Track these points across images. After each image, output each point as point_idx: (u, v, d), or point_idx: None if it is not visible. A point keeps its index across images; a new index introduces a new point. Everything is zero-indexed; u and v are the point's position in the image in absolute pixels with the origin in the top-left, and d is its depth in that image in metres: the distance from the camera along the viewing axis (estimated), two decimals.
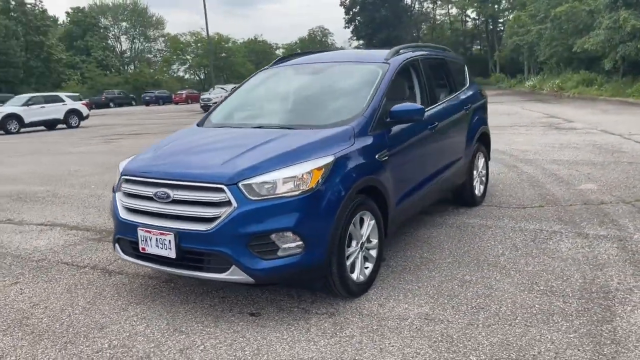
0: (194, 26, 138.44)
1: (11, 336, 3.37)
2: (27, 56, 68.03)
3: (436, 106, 4.89)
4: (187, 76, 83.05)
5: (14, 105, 24.27)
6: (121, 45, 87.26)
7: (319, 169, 3.34)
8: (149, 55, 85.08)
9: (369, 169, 3.72)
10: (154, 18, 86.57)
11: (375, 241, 3.86)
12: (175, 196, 3.33)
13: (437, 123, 4.75)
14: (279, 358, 2.96)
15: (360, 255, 3.71)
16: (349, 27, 51.70)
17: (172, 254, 3.30)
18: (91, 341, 3.25)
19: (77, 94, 28.88)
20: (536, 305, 3.44)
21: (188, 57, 79.29)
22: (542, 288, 3.70)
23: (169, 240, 3.29)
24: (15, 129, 23.41)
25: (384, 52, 4.67)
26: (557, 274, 3.92)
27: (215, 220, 3.19)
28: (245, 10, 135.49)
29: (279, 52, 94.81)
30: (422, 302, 3.58)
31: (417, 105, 4.10)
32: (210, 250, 3.21)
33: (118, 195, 3.68)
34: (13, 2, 71.83)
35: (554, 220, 5.21)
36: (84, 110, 26.06)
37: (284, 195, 3.22)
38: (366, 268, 3.81)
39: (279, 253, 3.22)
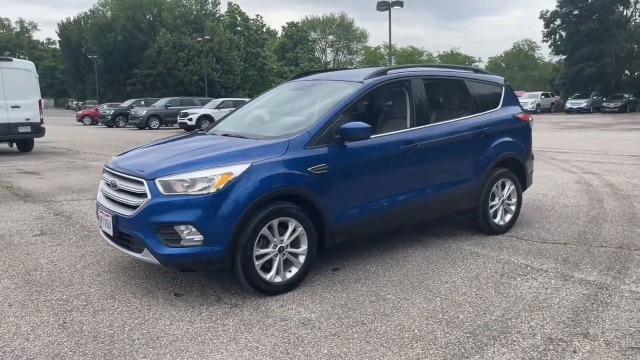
0: (402, 39, 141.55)
1: (10, 280, 4.44)
2: (245, 65, 76.68)
3: (424, 127, 4.89)
4: None
5: (208, 108, 28.06)
6: (326, 56, 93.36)
7: (227, 173, 3.79)
8: (349, 67, 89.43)
9: (296, 180, 4.03)
10: (358, 31, 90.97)
11: (304, 248, 4.14)
12: (119, 185, 4.08)
13: (417, 143, 4.77)
14: (152, 330, 3.49)
15: (279, 258, 4.03)
16: (547, 41, 48.26)
17: (111, 232, 4.06)
18: (51, 293, 4.15)
19: None
20: (416, 330, 3.44)
21: None
22: (444, 317, 3.63)
23: (109, 221, 4.05)
24: None
25: (367, 72, 4.86)
26: (479, 308, 3.77)
27: (136, 208, 3.85)
28: (459, 23, 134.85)
29: (480, 65, 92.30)
30: (320, 309, 3.79)
31: (364, 124, 4.25)
32: (131, 233, 3.88)
33: (101, 182, 4.56)
34: (239, 18, 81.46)
35: (555, 259, 4.80)
36: None
37: (193, 193, 3.74)
38: (289, 272, 4.11)
39: (182, 243, 3.74)
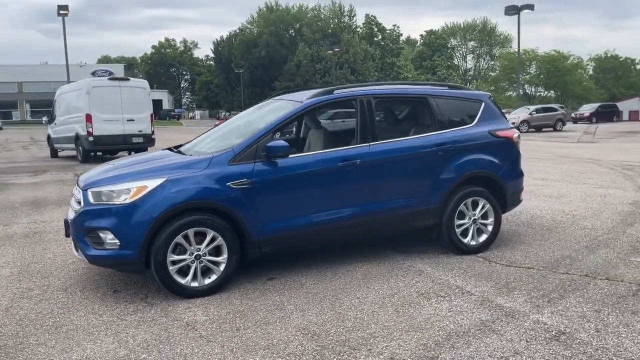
0: (559, 42, 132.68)
1: (10, 270, 5.37)
2: (379, 75, 77.37)
3: (367, 145, 4.97)
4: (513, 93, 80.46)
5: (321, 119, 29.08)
6: (466, 63, 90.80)
7: (142, 186, 4.30)
8: (491, 73, 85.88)
9: (211, 193, 4.41)
10: (502, 36, 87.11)
11: (224, 256, 4.49)
12: (73, 194, 4.78)
13: (357, 160, 4.87)
14: (64, 319, 4.09)
15: (196, 265, 4.43)
16: None
17: (65, 234, 4.78)
18: (27, 282, 4.97)
19: None
20: (275, 339, 3.64)
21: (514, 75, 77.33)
22: (317, 329, 3.76)
23: (64, 224, 4.76)
24: None
25: (313, 92, 5.07)
26: (359, 324, 3.83)
27: (76, 214, 4.51)
28: (629, 22, 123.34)
29: None
30: (216, 313, 4.12)
31: (283, 143, 4.53)
32: (72, 235, 4.55)
33: None
34: (375, 29, 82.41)
35: (495, 283, 4.60)
36: None
37: (113, 203, 4.30)
38: (209, 278, 4.49)
39: (104, 246, 4.32)
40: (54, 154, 19.43)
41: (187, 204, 4.35)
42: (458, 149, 5.33)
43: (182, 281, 4.40)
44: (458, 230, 5.38)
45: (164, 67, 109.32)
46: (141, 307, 4.29)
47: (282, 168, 4.66)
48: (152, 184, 4.32)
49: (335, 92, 5.12)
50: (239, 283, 4.74)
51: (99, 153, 17.06)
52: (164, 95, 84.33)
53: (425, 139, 5.26)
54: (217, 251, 4.50)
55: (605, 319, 3.83)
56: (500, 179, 5.53)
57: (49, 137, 19.83)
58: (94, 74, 17.63)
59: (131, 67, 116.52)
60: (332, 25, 76.88)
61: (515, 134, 5.72)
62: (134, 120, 16.38)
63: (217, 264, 4.51)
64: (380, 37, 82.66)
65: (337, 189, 4.88)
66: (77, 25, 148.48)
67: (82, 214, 4.41)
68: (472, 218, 5.44)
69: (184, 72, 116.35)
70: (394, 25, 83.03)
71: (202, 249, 4.43)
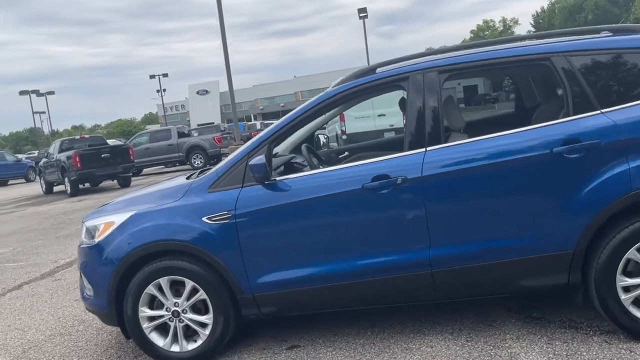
0: None
1: None
2: None
3: (420, 151, 3.05)
4: None
5: None
6: None
7: (110, 222, 3.45)
8: None
9: (180, 232, 3.27)
10: None
11: (209, 315, 3.31)
12: None
13: (397, 178, 3.02)
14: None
15: (177, 323, 3.35)
16: None
17: None
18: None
19: None
20: None
21: None
22: None
23: None
24: None
25: (349, 75, 3.40)
26: None
27: None
28: None
29: None
30: None
31: (259, 160, 3.05)
32: None
33: None
34: None
35: None
36: None
37: (94, 241, 3.52)
38: (194, 341, 3.37)
39: (86, 291, 3.61)
40: None
41: (151, 246, 3.31)
42: (609, 148, 2.85)
43: (160, 343, 3.39)
44: (626, 297, 2.90)
45: None
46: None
47: (283, 195, 3.19)
48: (119, 219, 3.43)
49: (379, 70, 3.32)
50: (250, 349, 3.48)
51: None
52: (479, 81, 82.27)
53: (535, 134, 2.94)
54: (206, 308, 3.34)
55: None
56: None
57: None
58: None
59: None
60: None
61: None
62: (384, 115, 15.78)
63: (203, 325, 3.34)
64: None
65: (372, 224, 3.12)
66: (410, 22, 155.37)
67: (78, 252, 3.79)
68: None
69: None
70: None
71: (180, 304, 3.33)
